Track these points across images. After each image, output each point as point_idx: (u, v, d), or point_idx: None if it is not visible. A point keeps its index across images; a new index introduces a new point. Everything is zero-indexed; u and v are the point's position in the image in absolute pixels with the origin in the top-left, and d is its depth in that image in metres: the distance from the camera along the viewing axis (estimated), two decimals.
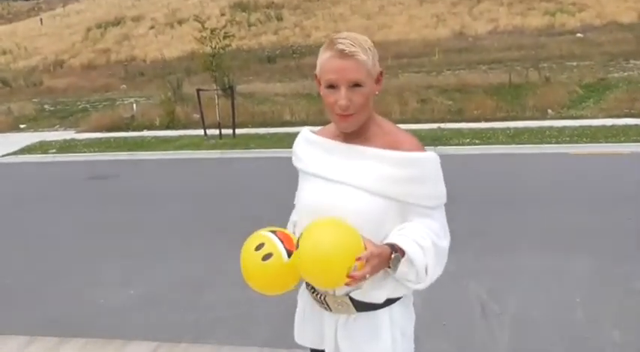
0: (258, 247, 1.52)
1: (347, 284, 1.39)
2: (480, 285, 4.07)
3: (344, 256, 1.39)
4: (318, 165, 1.60)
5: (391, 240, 1.47)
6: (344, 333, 1.61)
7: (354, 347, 1.59)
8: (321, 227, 1.45)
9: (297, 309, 1.79)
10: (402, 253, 1.44)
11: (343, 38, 1.47)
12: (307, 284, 1.67)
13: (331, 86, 1.48)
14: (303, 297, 1.75)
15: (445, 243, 1.54)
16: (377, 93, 1.53)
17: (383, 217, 1.51)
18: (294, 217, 1.77)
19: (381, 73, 1.53)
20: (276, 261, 1.50)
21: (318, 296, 1.62)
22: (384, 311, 1.58)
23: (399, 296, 1.59)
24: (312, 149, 1.65)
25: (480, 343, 3.29)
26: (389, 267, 1.44)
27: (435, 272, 1.51)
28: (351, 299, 1.57)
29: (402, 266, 1.45)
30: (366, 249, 1.39)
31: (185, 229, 6.01)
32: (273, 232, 1.56)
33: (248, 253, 1.54)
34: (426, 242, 1.47)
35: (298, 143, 1.72)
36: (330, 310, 1.61)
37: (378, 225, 1.50)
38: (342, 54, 1.44)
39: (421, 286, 1.52)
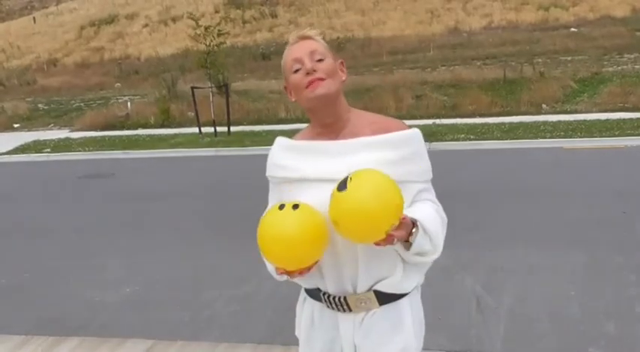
0: (281, 207, 1.40)
1: (377, 244, 1.36)
2: (476, 279, 4.08)
3: (395, 210, 1.32)
4: (317, 169, 1.52)
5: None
6: (363, 332, 1.57)
7: (375, 342, 1.56)
8: (377, 175, 1.35)
9: (302, 323, 1.69)
10: (414, 226, 1.45)
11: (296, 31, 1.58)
12: (318, 290, 1.60)
13: (296, 70, 1.50)
14: (307, 308, 1.67)
15: (442, 211, 1.58)
16: (344, 79, 1.56)
17: None
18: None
19: (342, 63, 1.57)
20: (306, 208, 1.38)
21: (336, 298, 1.56)
22: (406, 300, 1.59)
23: (419, 284, 1.63)
24: (298, 155, 1.57)
25: (475, 337, 3.30)
26: (406, 241, 1.43)
27: (442, 239, 1.54)
28: (375, 293, 1.54)
29: (420, 237, 1.45)
30: None
31: (181, 227, 6.00)
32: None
33: (272, 214, 1.41)
34: (430, 211, 1.52)
35: (276, 153, 1.63)
36: (350, 310, 1.56)
37: None
38: (300, 37, 1.53)
39: (436, 256, 1.53)
